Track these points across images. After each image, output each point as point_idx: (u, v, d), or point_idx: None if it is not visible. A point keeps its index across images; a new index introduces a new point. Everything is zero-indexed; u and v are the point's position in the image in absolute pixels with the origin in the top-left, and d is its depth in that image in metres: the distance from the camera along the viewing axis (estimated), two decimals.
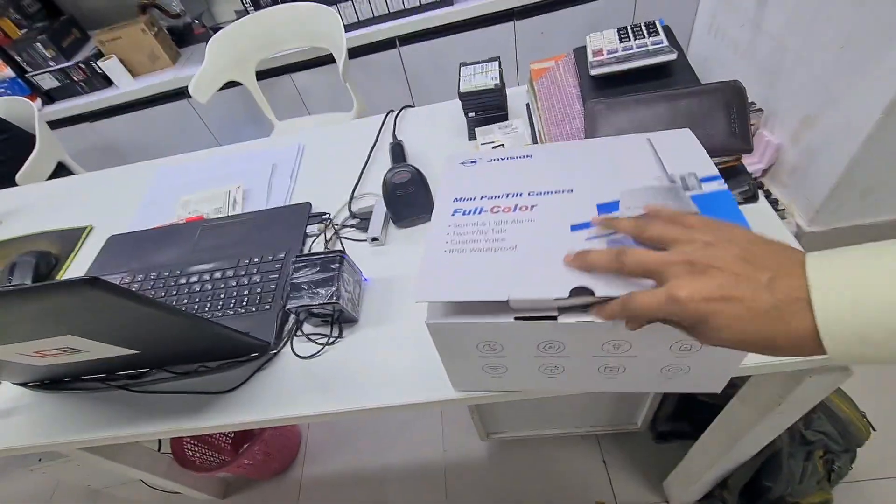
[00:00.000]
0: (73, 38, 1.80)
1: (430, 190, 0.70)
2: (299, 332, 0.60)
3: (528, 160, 0.47)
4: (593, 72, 0.65)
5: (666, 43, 0.63)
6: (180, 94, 1.74)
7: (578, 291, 0.34)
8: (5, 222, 0.97)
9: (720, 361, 0.41)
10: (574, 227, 0.39)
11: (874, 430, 0.86)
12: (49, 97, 1.81)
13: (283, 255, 0.68)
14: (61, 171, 1.49)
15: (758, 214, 0.59)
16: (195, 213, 0.81)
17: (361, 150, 0.84)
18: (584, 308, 0.36)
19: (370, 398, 0.53)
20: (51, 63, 1.73)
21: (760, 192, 0.60)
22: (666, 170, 0.42)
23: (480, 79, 0.75)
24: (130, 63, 1.75)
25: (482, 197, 0.44)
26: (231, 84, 1.44)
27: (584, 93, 0.67)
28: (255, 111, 1.67)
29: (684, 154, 0.44)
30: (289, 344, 0.60)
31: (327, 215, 0.75)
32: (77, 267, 0.81)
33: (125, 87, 1.75)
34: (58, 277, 0.80)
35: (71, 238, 0.86)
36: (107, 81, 1.77)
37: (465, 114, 0.79)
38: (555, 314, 0.36)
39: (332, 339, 0.59)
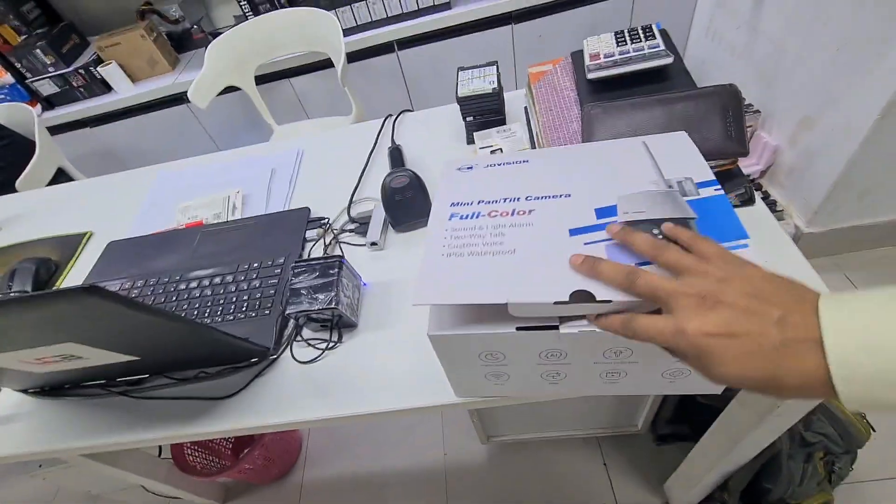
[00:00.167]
0: (73, 44, 1.81)
1: (429, 194, 0.70)
2: (299, 338, 0.60)
3: (525, 165, 0.48)
4: (590, 75, 0.66)
5: (662, 47, 0.64)
6: (179, 99, 1.75)
7: (578, 295, 0.34)
8: (5, 229, 0.97)
9: None
10: (573, 232, 0.39)
11: (874, 430, 0.86)
12: (49, 103, 1.81)
13: (282, 261, 0.69)
14: (61, 176, 1.50)
15: (754, 217, 0.59)
16: (194, 218, 0.82)
17: (360, 155, 0.85)
18: (583, 312, 0.36)
19: (370, 403, 0.53)
20: (50, 69, 1.73)
21: (758, 195, 0.60)
22: (663, 174, 0.43)
23: (478, 83, 0.76)
24: (130, 68, 1.75)
25: (479, 202, 0.44)
26: (230, 89, 1.45)
27: (581, 96, 0.68)
28: (254, 116, 1.67)
29: (680, 158, 0.44)
30: (288, 349, 0.60)
31: (326, 220, 0.75)
32: (77, 273, 0.81)
33: (124, 92, 1.75)
34: (57, 284, 0.80)
35: (71, 244, 0.86)
36: (106, 87, 1.77)
37: (464, 118, 0.79)
38: (556, 324, 0.36)
39: (331, 344, 0.59)
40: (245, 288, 0.67)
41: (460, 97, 0.75)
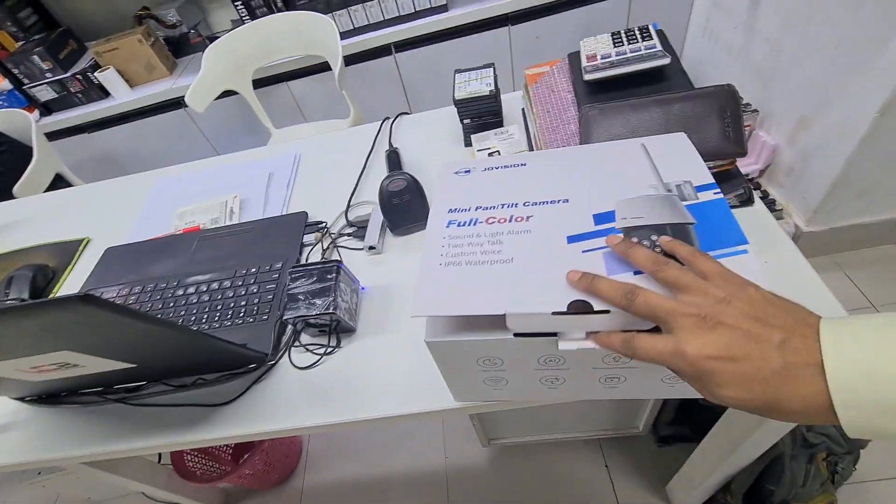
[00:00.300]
0: (70, 49, 1.81)
1: (427, 198, 0.70)
2: (297, 343, 0.60)
3: (523, 168, 0.47)
4: (587, 77, 0.66)
5: (659, 47, 0.64)
6: (177, 103, 1.75)
7: (576, 305, 0.34)
8: (3, 235, 0.97)
9: None
10: (570, 239, 0.39)
11: None
12: (46, 109, 1.81)
13: (279, 265, 0.68)
14: (59, 182, 1.50)
15: (754, 218, 0.59)
16: (192, 223, 0.81)
17: (358, 158, 0.84)
18: (582, 324, 0.35)
19: (369, 408, 0.53)
20: (48, 75, 1.73)
21: (757, 195, 0.60)
22: (661, 178, 0.42)
23: (475, 85, 0.76)
24: (127, 73, 1.75)
25: (477, 208, 0.44)
26: (228, 93, 1.45)
27: (578, 98, 0.67)
28: (252, 120, 1.67)
29: (679, 160, 0.44)
30: (286, 355, 0.59)
31: (324, 224, 0.75)
32: (74, 280, 0.81)
33: (122, 97, 1.75)
34: (55, 290, 0.80)
35: (68, 250, 0.86)
36: (104, 92, 1.77)
37: (461, 120, 0.79)
38: (554, 332, 0.36)
39: (329, 350, 0.58)
40: (243, 293, 0.66)
41: (457, 100, 0.75)
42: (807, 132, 1.19)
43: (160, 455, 1.05)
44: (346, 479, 1.23)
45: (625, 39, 0.67)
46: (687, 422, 0.99)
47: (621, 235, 0.36)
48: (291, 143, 0.96)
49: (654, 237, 0.38)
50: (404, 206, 0.68)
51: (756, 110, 1.34)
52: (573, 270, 0.35)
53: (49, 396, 0.59)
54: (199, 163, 0.98)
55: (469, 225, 0.42)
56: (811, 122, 1.17)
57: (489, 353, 0.39)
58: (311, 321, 0.57)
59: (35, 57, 1.70)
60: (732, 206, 0.59)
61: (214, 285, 0.68)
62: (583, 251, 0.38)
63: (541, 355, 0.39)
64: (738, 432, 0.69)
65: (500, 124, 0.78)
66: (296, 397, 0.56)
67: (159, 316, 0.67)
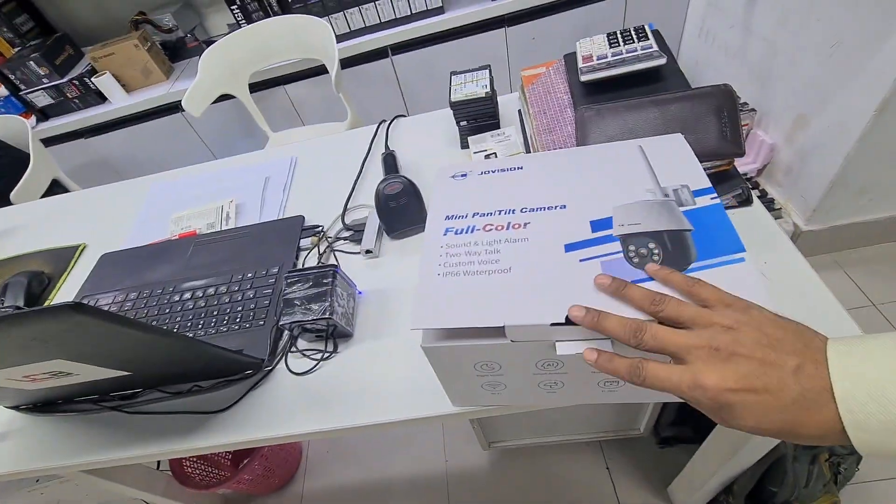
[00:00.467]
0: (67, 55, 1.80)
1: (423, 200, 0.69)
2: (293, 348, 0.60)
3: (520, 172, 0.47)
4: (583, 78, 0.65)
5: (656, 47, 0.63)
6: (174, 108, 1.75)
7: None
8: None
9: None
10: (568, 247, 0.39)
11: None
12: (43, 114, 1.81)
13: (276, 270, 0.68)
14: (56, 188, 1.49)
15: (752, 218, 0.58)
16: (188, 228, 0.81)
17: (354, 162, 0.84)
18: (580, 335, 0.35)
19: (367, 414, 0.52)
20: (44, 80, 1.73)
21: (755, 194, 0.60)
22: (658, 182, 0.42)
23: (471, 87, 0.75)
24: (124, 78, 1.75)
25: (474, 214, 0.43)
26: (225, 97, 1.45)
27: (575, 99, 0.67)
28: (249, 123, 1.67)
29: (676, 163, 0.44)
30: (283, 360, 0.59)
31: (320, 228, 0.74)
32: (70, 286, 0.80)
33: (119, 102, 1.75)
34: (50, 297, 0.79)
35: (64, 257, 0.85)
36: (101, 97, 1.77)
37: (457, 123, 0.78)
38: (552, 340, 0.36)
39: (326, 355, 0.58)
40: (239, 299, 0.66)
41: (453, 102, 0.75)
42: (805, 131, 1.19)
43: (159, 461, 1.04)
44: (347, 483, 1.22)
45: (621, 40, 0.67)
46: (688, 423, 0.98)
47: (610, 276, 0.35)
48: (287, 146, 0.96)
49: (651, 245, 0.37)
50: (401, 210, 0.68)
51: (753, 109, 1.34)
52: (576, 306, 0.34)
53: (44, 405, 0.59)
54: (195, 167, 0.98)
55: (466, 232, 0.42)
56: (809, 120, 1.16)
57: (486, 358, 0.39)
58: (308, 326, 0.56)
59: (31, 63, 1.69)
60: (731, 207, 0.59)
61: (210, 291, 0.68)
62: (580, 260, 0.38)
63: (538, 360, 0.38)
64: (739, 434, 0.69)
65: (496, 126, 0.78)
66: (293, 403, 0.55)
67: (154, 323, 0.67)
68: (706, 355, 0.30)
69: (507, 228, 0.41)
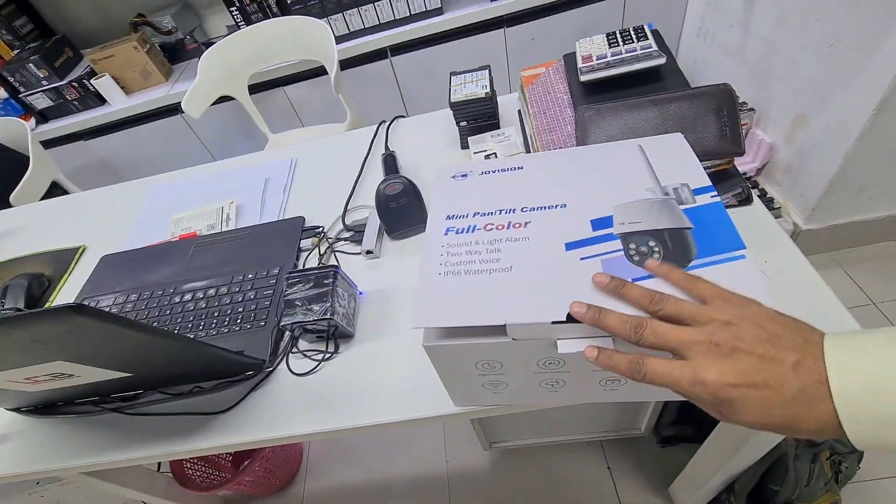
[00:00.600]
0: (66, 57, 1.80)
1: (424, 201, 0.69)
2: (294, 349, 0.60)
3: (520, 172, 0.47)
4: (583, 78, 0.65)
5: (655, 47, 0.63)
6: (174, 109, 1.75)
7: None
8: None
9: None
10: (569, 246, 0.39)
11: None
12: (43, 116, 1.81)
13: (276, 271, 0.68)
14: (55, 190, 1.49)
15: (752, 217, 0.58)
16: (188, 230, 0.81)
17: (354, 162, 0.84)
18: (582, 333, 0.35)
19: (368, 414, 0.52)
20: (44, 83, 1.73)
21: (755, 193, 0.60)
22: (658, 180, 0.42)
23: (471, 88, 0.75)
24: (123, 80, 1.75)
25: (475, 214, 0.43)
26: (224, 98, 1.45)
27: (574, 99, 0.67)
28: (248, 125, 1.67)
29: (676, 161, 0.44)
30: (284, 361, 0.59)
31: (321, 229, 0.74)
32: (70, 288, 0.80)
33: (118, 104, 1.75)
34: (51, 299, 0.79)
35: (64, 259, 0.85)
36: (100, 99, 1.77)
37: (457, 123, 0.79)
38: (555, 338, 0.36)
39: (327, 355, 0.58)
40: (240, 300, 0.66)
41: (453, 102, 0.75)
42: (804, 130, 1.19)
43: (159, 463, 1.04)
44: (347, 484, 1.22)
45: (620, 40, 0.67)
46: (689, 422, 0.98)
47: (609, 275, 0.35)
48: (287, 147, 0.96)
49: (651, 243, 0.37)
50: (401, 210, 0.68)
51: (753, 109, 1.34)
52: (577, 302, 0.34)
53: (45, 407, 0.59)
54: (194, 169, 0.98)
55: (467, 232, 0.42)
56: (808, 119, 1.17)
57: (488, 357, 0.39)
58: (309, 327, 0.56)
59: (31, 65, 1.69)
60: (731, 206, 0.59)
61: (211, 292, 0.68)
62: (581, 258, 0.38)
63: (540, 358, 0.38)
64: (740, 432, 0.69)
65: (496, 126, 0.78)
66: (294, 404, 0.55)
67: (154, 324, 0.66)
68: (706, 351, 0.30)
69: (508, 228, 0.41)
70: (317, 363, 0.58)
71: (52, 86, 1.72)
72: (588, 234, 0.39)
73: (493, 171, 0.48)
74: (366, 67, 1.68)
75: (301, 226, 0.75)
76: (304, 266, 0.70)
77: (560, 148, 0.64)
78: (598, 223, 0.40)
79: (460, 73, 0.79)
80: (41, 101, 1.76)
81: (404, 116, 0.92)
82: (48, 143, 1.80)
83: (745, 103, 1.35)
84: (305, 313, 0.55)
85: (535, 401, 0.46)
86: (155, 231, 0.84)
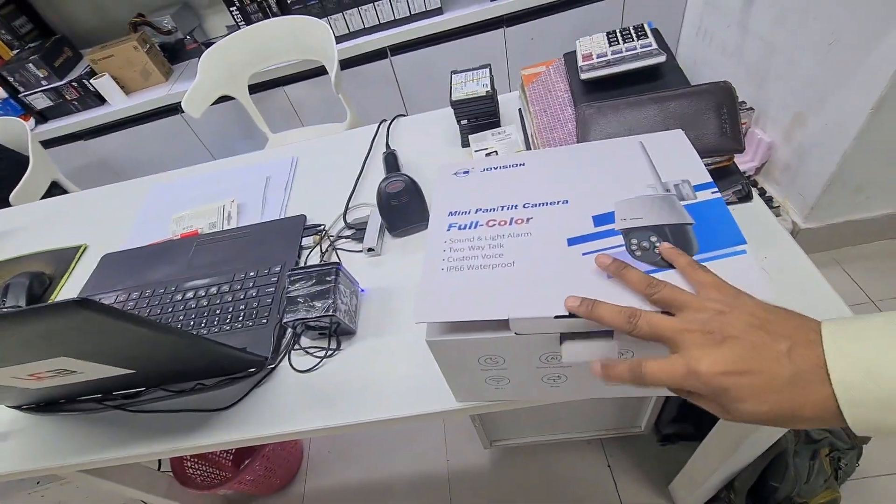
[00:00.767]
0: (66, 57, 1.80)
1: (425, 199, 0.70)
2: (297, 346, 0.60)
3: (522, 168, 0.47)
4: (583, 76, 0.66)
5: (655, 45, 0.64)
6: (173, 109, 1.75)
7: None
8: None
9: None
10: (571, 241, 0.39)
11: None
12: (42, 116, 1.81)
13: (278, 269, 0.68)
14: (55, 190, 1.49)
15: (752, 214, 0.59)
16: (189, 228, 0.81)
17: (355, 161, 0.84)
18: (585, 334, 0.36)
19: (370, 411, 0.52)
20: (43, 83, 1.73)
21: (754, 191, 0.60)
22: (660, 177, 0.42)
23: (472, 86, 0.76)
24: (123, 80, 1.75)
25: (477, 210, 0.44)
26: (224, 98, 1.45)
27: (575, 97, 0.67)
28: (248, 125, 1.67)
29: (677, 158, 0.44)
30: (286, 358, 0.59)
31: (322, 227, 0.74)
32: (71, 287, 0.80)
33: (118, 104, 1.75)
34: (52, 298, 0.79)
35: (65, 258, 0.85)
36: (100, 99, 1.77)
37: (458, 121, 0.79)
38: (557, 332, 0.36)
39: (330, 352, 0.58)
40: (241, 297, 0.66)
41: (454, 101, 0.75)
42: (802, 129, 1.19)
43: (160, 462, 1.04)
44: (348, 483, 1.22)
45: (620, 38, 0.67)
46: (689, 420, 0.98)
47: (611, 256, 0.36)
48: (288, 146, 0.96)
49: (653, 238, 0.38)
50: (403, 208, 0.68)
51: (751, 108, 1.35)
52: (571, 297, 0.34)
53: (47, 404, 0.59)
54: (195, 168, 0.98)
55: (470, 228, 0.42)
56: (806, 118, 1.17)
57: (490, 352, 0.39)
58: (311, 324, 0.56)
59: (30, 65, 1.69)
60: (731, 203, 0.59)
61: (213, 290, 0.68)
62: (583, 253, 0.38)
63: (542, 353, 0.38)
64: (740, 429, 0.69)
65: (497, 125, 0.78)
66: (296, 401, 0.55)
67: (158, 320, 0.67)
68: (699, 340, 0.30)
69: (510, 223, 0.42)
70: (319, 360, 0.58)
71: (52, 86, 1.72)
72: (590, 229, 0.40)
73: (495, 168, 0.48)
74: (366, 67, 1.68)
75: (302, 224, 0.75)
76: (305, 264, 0.70)
77: (561, 146, 0.64)
78: (599, 219, 0.40)
79: (461, 71, 0.79)
80: (41, 101, 1.76)
81: (405, 115, 0.93)
82: (48, 143, 1.80)
83: (743, 102, 1.36)
84: (308, 310, 0.55)
85: (537, 396, 0.46)
86: (156, 230, 0.84)
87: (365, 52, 1.64)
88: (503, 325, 0.36)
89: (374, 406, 0.53)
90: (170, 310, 0.68)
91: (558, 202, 0.42)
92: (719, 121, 0.55)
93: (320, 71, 1.62)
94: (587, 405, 1.02)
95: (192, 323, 0.65)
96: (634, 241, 0.38)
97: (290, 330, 0.61)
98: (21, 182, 1.31)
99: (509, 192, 0.45)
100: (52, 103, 1.77)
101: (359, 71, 1.69)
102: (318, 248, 0.72)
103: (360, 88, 1.73)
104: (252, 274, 0.68)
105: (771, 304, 0.31)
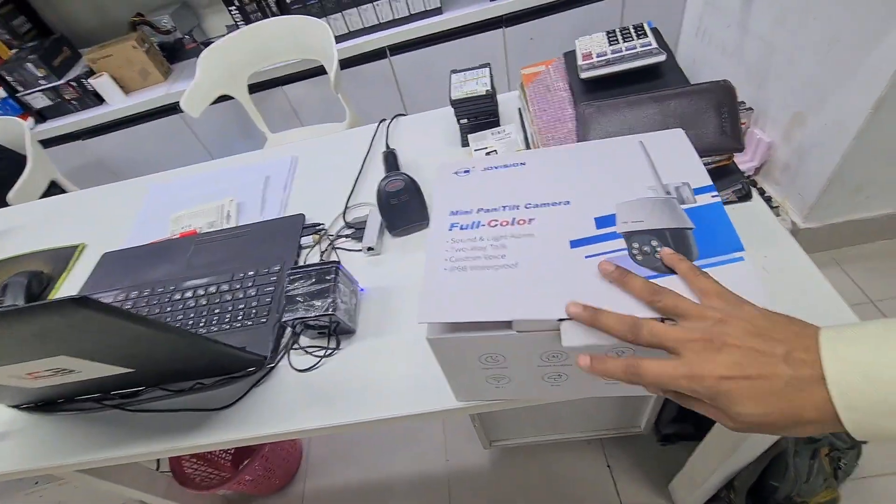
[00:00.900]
0: (64, 56, 1.80)
1: (425, 198, 0.70)
2: (296, 345, 0.60)
3: (523, 168, 0.47)
4: (583, 75, 0.66)
5: (655, 45, 0.64)
6: (172, 109, 1.74)
7: None
8: None
9: None
10: (573, 244, 0.39)
11: None
12: (41, 116, 1.80)
13: (277, 268, 0.68)
14: (54, 189, 1.49)
15: (752, 213, 0.59)
16: (188, 227, 0.81)
17: (355, 160, 0.84)
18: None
19: (370, 410, 0.52)
20: (42, 82, 1.72)
21: (754, 190, 0.60)
22: (660, 179, 0.42)
23: (471, 85, 0.76)
24: (122, 80, 1.75)
25: (479, 210, 0.44)
26: (223, 98, 1.44)
27: (575, 96, 0.67)
28: (247, 124, 1.67)
29: (677, 158, 0.44)
30: (286, 357, 0.59)
31: (322, 226, 0.74)
32: (70, 286, 0.80)
33: (117, 103, 1.75)
34: (50, 297, 0.79)
35: (63, 257, 0.85)
36: (98, 99, 1.77)
37: (458, 120, 0.79)
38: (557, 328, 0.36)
39: (329, 352, 0.58)
40: (241, 297, 0.66)
41: (454, 100, 0.75)
42: (802, 129, 1.20)
43: (158, 462, 1.04)
44: (347, 483, 1.22)
45: (620, 37, 0.67)
46: (689, 420, 0.98)
47: (614, 263, 0.36)
48: (288, 146, 0.96)
49: (654, 242, 0.38)
50: (402, 207, 0.68)
51: (751, 108, 1.35)
52: (573, 303, 0.35)
53: (45, 404, 0.58)
54: (194, 167, 0.98)
55: (472, 228, 0.42)
56: (806, 118, 1.17)
57: (491, 351, 0.39)
58: (311, 323, 0.56)
59: (29, 64, 1.69)
60: (731, 202, 0.59)
61: (212, 289, 0.68)
62: (586, 256, 0.38)
63: (543, 352, 0.38)
64: None
65: (496, 124, 0.78)
66: (296, 400, 0.55)
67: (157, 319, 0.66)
68: (700, 347, 0.31)
69: (513, 224, 0.41)
70: (318, 359, 0.58)
71: (51, 85, 1.72)
72: (592, 231, 0.40)
73: (495, 167, 0.48)
74: (365, 67, 1.68)
75: (302, 223, 0.75)
76: (304, 263, 0.70)
77: (561, 145, 0.64)
78: (601, 221, 0.40)
79: (461, 70, 0.79)
80: (39, 101, 1.76)
81: (404, 115, 0.92)
82: (46, 143, 1.80)
83: (742, 102, 1.36)
84: (307, 309, 0.55)
85: (538, 395, 0.46)
86: (155, 229, 0.84)
87: (364, 52, 1.64)
88: (505, 323, 0.36)
89: (374, 405, 0.52)
90: (169, 309, 0.67)
91: (560, 203, 0.42)
92: (719, 120, 0.55)
93: (319, 71, 1.62)
94: (587, 405, 1.02)
95: (191, 322, 0.65)
96: (636, 245, 0.38)
97: (289, 329, 0.61)
98: (19, 181, 1.31)
99: (510, 191, 0.45)
100: (50, 103, 1.76)
101: (358, 71, 1.69)
102: (318, 247, 0.72)
103: (360, 88, 1.73)
104: (251, 273, 0.68)
105: (772, 312, 0.32)
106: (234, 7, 1.59)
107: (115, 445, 0.57)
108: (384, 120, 0.91)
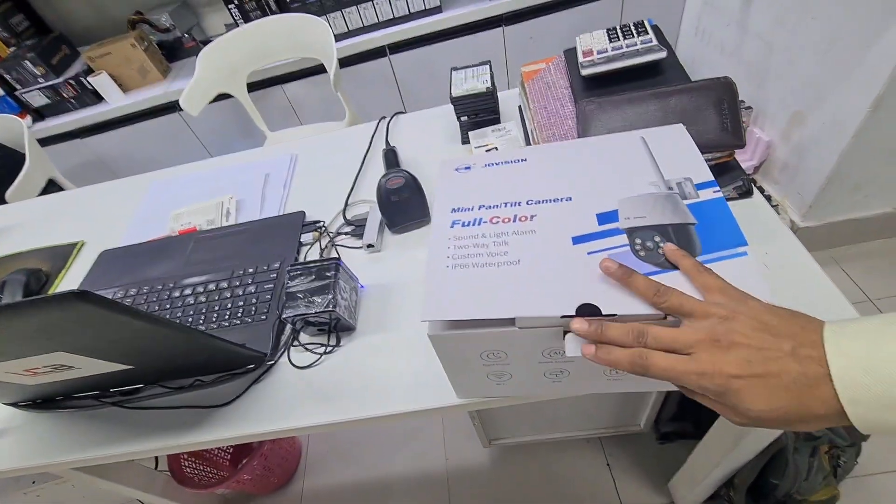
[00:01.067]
0: (63, 54, 1.79)
1: (425, 195, 0.69)
2: (296, 342, 0.59)
3: (524, 164, 0.47)
4: (584, 72, 0.66)
5: (655, 42, 0.64)
6: (171, 107, 1.74)
7: (585, 309, 0.34)
8: None
9: None
10: (576, 240, 0.39)
11: None
12: (39, 114, 1.80)
13: (277, 265, 0.68)
14: (52, 188, 1.48)
15: (753, 210, 0.59)
16: (188, 225, 0.81)
17: (355, 158, 0.84)
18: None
19: (369, 407, 0.52)
20: (40, 80, 1.72)
21: (754, 187, 0.60)
22: (662, 174, 0.42)
23: (472, 83, 0.76)
24: (121, 78, 1.74)
25: (480, 206, 0.43)
26: (222, 96, 1.44)
27: (575, 93, 0.67)
28: (246, 123, 1.67)
29: (678, 154, 0.44)
30: (286, 354, 0.59)
31: (322, 223, 0.74)
32: (68, 283, 0.80)
33: (116, 102, 1.74)
34: (48, 294, 0.79)
35: (62, 254, 0.85)
36: (97, 97, 1.76)
37: (458, 118, 0.79)
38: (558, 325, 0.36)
39: (329, 349, 0.58)
40: (241, 293, 0.66)
41: (454, 97, 0.75)
42: (801, 128, 1.20)
43: (157, 461, 1.03)
44: (347, 482, 1.21)
45: (620, 34, 0.67)
46: (688, 418, 0.98)
47: (617, 262, 0.36)
48: (287, 143, 0.95)
49: (657, 238, 0.38)
50: (403, 204, 0.68)
51: (750, 107, 1.35)
52: (578, 319, 0.34)
53: (43, 401, 0.58)
54: (193, 165, 0.98)
55: (473, 225, 0.42)
56: (805, 117, 1.17)
57: (492, 347, 0.39)
58: (311, 319, 0.56)
59: (27, 62, 1.68)
60: (731, 199, 0.59)
61: (212, 286, 0.68)
62: (588, 252, 0.38)
63: (545, 348, 0.38)
64: (740, 427, 0.69)
65: (497, 121, 0.78)
66: (295, 397, 0.55)
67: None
68: (708, 346, 0.31)
69: (514, 221, 0.41)
70: (318, 356, 0.57)
71: (49, 83, 1.71)
72: (594, 228, 0.39)
73: (497, 164, 0.48)
74: (365, 66, 1.68)
75: (301, 220, 0.75)
76: (305, 260, 0.70)
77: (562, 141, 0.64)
78: (603, 217, 0.40)
79: (461, 68, 0.79)
80: (38, 99, 1.75)
81: (404, 112, 0.92)
82: (44, 141, 1.79)
83: (742, 101, 1.36)
84: (308, 305, 0.55)
85: (539, 392, 0.46)
86: (154, 227, 0.84)
87: (364, 51, 1.63)
88: (507, 320, 0.36)
89: (374, 402, 0.52)
90: (168, 306, 0.67)
91: (561, 199, 0.42)
92: (720, 116, 0.55)
93: (319, 69, 1.62)
94: (586, 403, 1.02)
95: (190, 319, 0.65)
96: (638, 240, 0.38)
97: (289, 326, 0.60)
98: (17, 180, 1.30)
99: (512, 188, 0.45)
100: (49, 101, 1.76)
101: (358, 69, 1.68)
102: (318, 244, 0.71)
103: (359, 87, 1.73)
104: (251, 270, 0.68)
105: (776, 306, 0.32)
106: (233, 5, 1.59)
107: (114, 443, 0.56)
108: (384, 117, 0.91)
